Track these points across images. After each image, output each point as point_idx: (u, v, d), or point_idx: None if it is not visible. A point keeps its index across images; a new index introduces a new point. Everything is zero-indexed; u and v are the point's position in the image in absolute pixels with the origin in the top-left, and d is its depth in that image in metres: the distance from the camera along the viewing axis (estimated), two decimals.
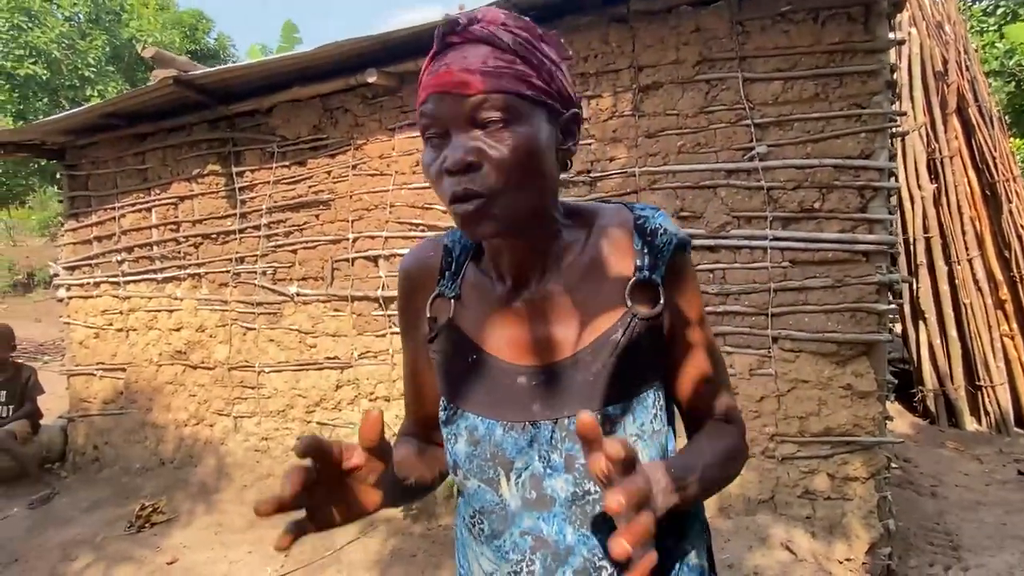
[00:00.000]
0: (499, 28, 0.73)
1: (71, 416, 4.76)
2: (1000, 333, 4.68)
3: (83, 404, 4.70)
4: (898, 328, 4.99)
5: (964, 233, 4.72)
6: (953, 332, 4.67)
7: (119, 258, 4.49)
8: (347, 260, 3.75)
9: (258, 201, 4.00)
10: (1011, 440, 4.43)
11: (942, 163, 4.77)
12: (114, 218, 4.49)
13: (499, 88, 0.70)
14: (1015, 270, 4.73)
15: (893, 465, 3.39)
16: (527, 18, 0.77)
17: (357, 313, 3.74)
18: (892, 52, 2.91)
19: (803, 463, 2.87)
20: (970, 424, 4.65)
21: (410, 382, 0.97)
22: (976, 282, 4.68)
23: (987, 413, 4.63)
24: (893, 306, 2.81)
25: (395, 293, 0.97)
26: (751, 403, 2.92)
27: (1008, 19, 9.32)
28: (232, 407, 4.16)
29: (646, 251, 0.82)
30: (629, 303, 0.81)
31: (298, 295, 3.90)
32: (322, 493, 0.67)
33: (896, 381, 3.60)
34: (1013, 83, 8.83)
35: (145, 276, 4.41)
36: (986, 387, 4.62)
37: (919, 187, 4.78)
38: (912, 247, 4.83)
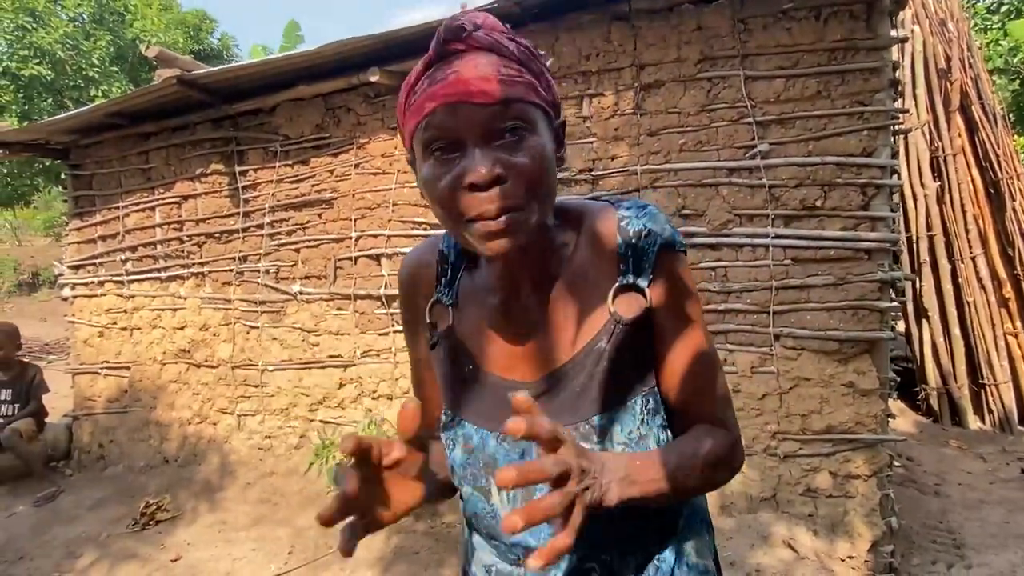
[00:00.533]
0: (502, 36, 0.71)
1: (76, 414, 4.78)
2: (1003, 331, 4.67)
3: (88, 403, 4.72)
4: (901, 326, 4.98)
5: (967, 231, 4.70)
6: (956, 330, 4.66)
7: (123, 257, 4.51)
8: (350, 259, 3.76)
9: (261, 200, 4.01)
10: (1015, 439, 4.41)
11: (945, 161, 4.75)
12: (118, 217, 4.50)
13: (515, 97, 0.68)
14: (1018, 268, 4.72)
15: (896, 463, 3.39)
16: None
17: (360, 312, 3.75)
18: (895, 50, 2.91)
19: (805, 461, 2.87)
20: (973, 422, 4.64)
21: (417, 384, 0.97)
22: (979, 280, 4.67)
23: (990, 411, 4.62)
24: (895, 304, 2.80)
25: (397, 291, 0.96)
26: (753, 401, 2.93)
27: (1012, 16, 9.27)
28: (235, 405, 4.18)
29: (629, 254, 0.78)
30: (612, 310, 0.78)
31: (301, 294, 3.91)
32: (368, 492, 0.67)
33: (899, 379, 3.61)
34: (1017, 81, 8.79)
35: (149, 275, 4.43)
36: (989, 385, 4.60)
37: (922, 185, 4.77)
38: (915, 245, 4.82)
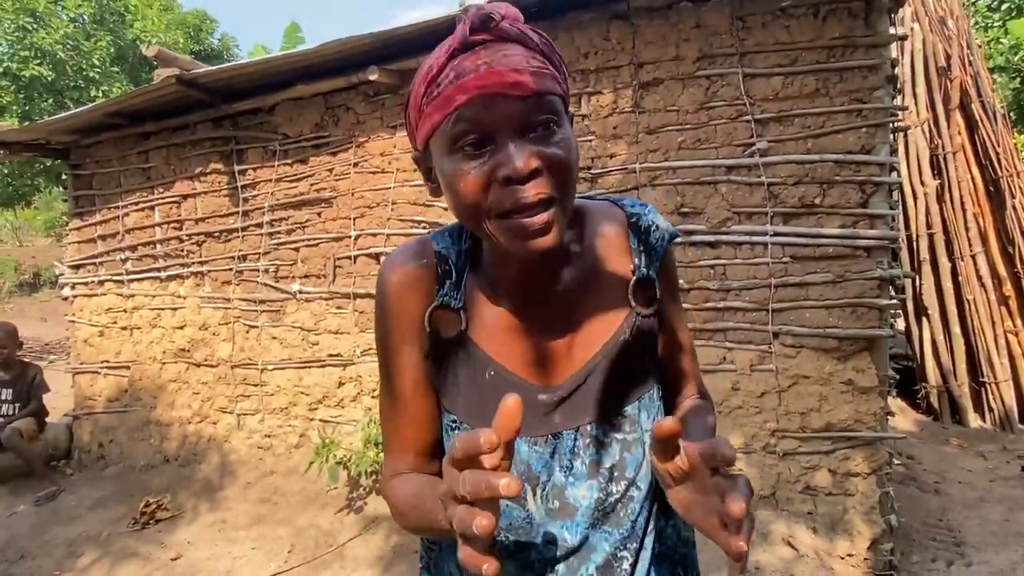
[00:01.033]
0: (526, 27, 0.70)
1: (76, 414, 4.79)
2: (1004, 329, 4.66)
3: (88, 402, 4.73)
4: (901, 324, 4.97)
5: (967, 229, 4.70)
6: (956, 328, 4.66)
7: (123, 256, 4.52)
8: (349, 258, 3.76)
9: (260, 199, 4.02)
10: (1015, 437, 4.41)
11: (945, 159, 4.75)
12: (118, 217, 4.51)
13: (547, 89, 0.67)
14: (1019, 266, 4.71)
15: (896, 461, 3.39)
16: (526, 14, 0.76)
17: (359, 310, 3.75)
18: (894, 47, 2.91)
19: (804, 459, 2.86)
20: (973, 421, 4.63)
21: (405, 410, 0.84)
22: (979, 278, 4.66)
23: (991, 410, 4.61)
24: (895, 301, 2.80)
25: (376, 301, 0.85)
26: (752, 399, 2.92)
27: (1013, 14, 9.26)
28: (235, 404, 4.18)
29: (642, 249, 0.83)
30: (632, 303, 0.82)
31: (300, 293, 3.91)
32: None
33: (899, 377, 3.60)
34: (1018, 79, 8.78)
35: (149, 274, 4.43)
36: (990, 384, 4.60)
37: (922, 183, 4.76)
38: (915, 243, 4.81)
